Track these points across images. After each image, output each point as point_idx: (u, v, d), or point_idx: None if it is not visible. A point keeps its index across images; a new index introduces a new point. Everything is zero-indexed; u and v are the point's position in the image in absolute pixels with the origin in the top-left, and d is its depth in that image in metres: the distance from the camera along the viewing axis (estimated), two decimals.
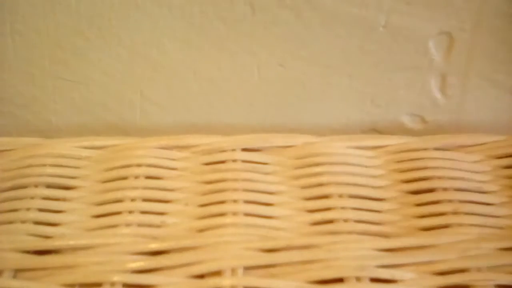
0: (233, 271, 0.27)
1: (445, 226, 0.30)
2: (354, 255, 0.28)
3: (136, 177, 0.32)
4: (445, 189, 0.32)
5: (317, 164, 0.33)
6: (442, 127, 0.38)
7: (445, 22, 0.34)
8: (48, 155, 0.33)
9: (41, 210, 0.30)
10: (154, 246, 0.28)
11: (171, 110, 0.38)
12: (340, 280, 0.26)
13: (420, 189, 0.32)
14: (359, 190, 0.32)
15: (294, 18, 0.33)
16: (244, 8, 0.33)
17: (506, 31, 0.34)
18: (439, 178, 0.32)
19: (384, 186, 0.33)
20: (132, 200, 0.31)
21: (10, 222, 0.29)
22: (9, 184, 0.32)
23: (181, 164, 0.34)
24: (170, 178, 0.33)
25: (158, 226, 0.30)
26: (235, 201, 0.31)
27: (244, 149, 0.35)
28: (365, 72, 0.36)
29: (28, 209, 0.30)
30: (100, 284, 0.26)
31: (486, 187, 0.32)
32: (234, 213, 0.30)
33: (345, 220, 0.30)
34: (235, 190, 0.31)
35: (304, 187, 0.32)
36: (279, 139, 0.35)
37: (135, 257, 0.28)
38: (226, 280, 0.26)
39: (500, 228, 0.30)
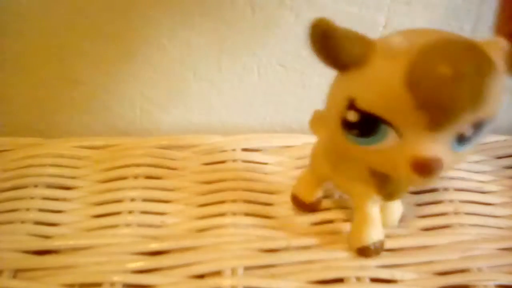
0: (233, 271, 0.27)
1: (445, 226, 0.30)
2: (354, 255, 0.27)
3: (136, 177, 0.32)
4: (445, 189, 0.32)
5: None
6: None
7: (445, 22, 0.34)
8: (48, 155, 0.34)
9: (41, 210, 0.30)
10: (154, 246, 0.28)
11: (171, 110, 0.38)
12: (340, 280, 0.26)
13: (420, 189, 0.32)
14: None
15: (294, 18, 0.33)
16: (244, 8, 0.33)
17: None
18: (439, 178, 0.32)
19: None
20: (132, 200, 0.31)
21: (10, 222, 0.29)
22: (9, 184, 0.32)
23: (181, 164, 0.34)
24: (170, 178, 0.33)
25: (158, 226, 0.30)
26: (235, 201, 0.31)
27: (244, 149, 0.35)
28: None
29: (28, 209, 0.30)
30: (100, 284, 0.26)
31: (486, 187, 0.32)
32: (234, 213, 0.30)
33: (345, 220, 0.30)
34: (235, 190, 0.31)
35: None
36: (279, 139, 0.35)
37: (135, 257, 0.28)
38: (226, 280, 0.26)
39: (500, 228, 0.30)
